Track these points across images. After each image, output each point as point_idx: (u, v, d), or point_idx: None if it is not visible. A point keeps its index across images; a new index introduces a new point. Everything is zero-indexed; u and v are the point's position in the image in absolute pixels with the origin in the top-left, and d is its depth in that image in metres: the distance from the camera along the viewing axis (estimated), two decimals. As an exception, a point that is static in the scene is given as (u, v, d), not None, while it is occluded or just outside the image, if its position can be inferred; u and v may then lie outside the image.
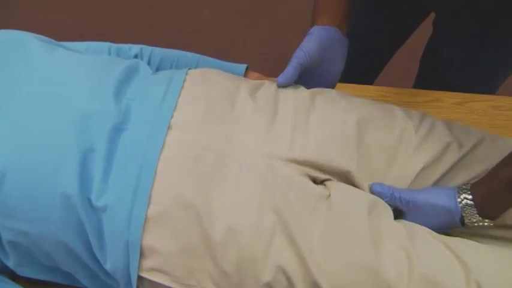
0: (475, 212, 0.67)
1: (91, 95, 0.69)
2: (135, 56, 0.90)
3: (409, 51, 1.19)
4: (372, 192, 0.72)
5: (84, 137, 0.65)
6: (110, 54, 0.90)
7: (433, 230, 0.70)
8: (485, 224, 0.68)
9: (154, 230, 0.64)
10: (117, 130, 0.67)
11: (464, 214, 0.68)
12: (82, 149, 0.65)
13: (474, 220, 0.68)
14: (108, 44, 0.91)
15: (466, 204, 0.68)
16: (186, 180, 0.65)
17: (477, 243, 0.69)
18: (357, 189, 0.72)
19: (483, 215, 0.67)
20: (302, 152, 0.70)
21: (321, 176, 0.71)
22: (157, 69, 0.90)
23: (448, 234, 0.71)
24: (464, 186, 0.69)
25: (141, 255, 0.64)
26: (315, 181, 0.71)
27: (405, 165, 0.74)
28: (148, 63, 0.91)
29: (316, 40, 0.81)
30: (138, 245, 0.63)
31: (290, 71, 0.79)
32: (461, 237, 0.72)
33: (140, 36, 2.02)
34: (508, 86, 1.15)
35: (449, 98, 0.99)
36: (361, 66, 1.12)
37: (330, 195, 0.68)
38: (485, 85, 1.04)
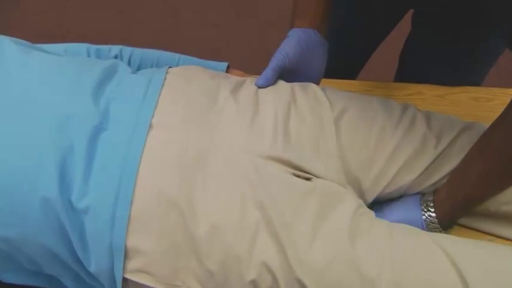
0: (438, 227, 0.74)
1: (69, 97, 0.69)
2: (115, 57, 0.90)
3: (389, 45, 1.19)
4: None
5: (62, 139, 0.65)
6: (89, 55, 0.89)
7: None
8: (445, 233, 0.74)
9: (138, 230, 0.63)
10: (96, 130, 0.66)
11: (428, 229, 0.74)
12: (61, 151, 0.64)
13: (435, 229, 0.74)
14: (87, 45, 0.90)
15: (431, 221, 0.74)
16: (169, 179, 0.65)
17: (462, 238, 0.70)
18: (340, 187, 0.72)
19: (444, 227, 0.74)
20: (283, 152, 0.70)
21: (303, 175, 0.71)
22: (138, 70, 0.89)
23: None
24: (427, 204, 0.74)
25: (126, 256, 0.64)
26: (299, 177, 0.71)
27: (383, 166, 0.75)
28: (129, 64, 0.90)
29: (295, 42, 0.82)
30: (122, 246, 0.63)
31: (269, 73, 0.79)
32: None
33: (122, 36, 2.01)
34: (487, 78, 1.16)
35: (430, 91, 0.99)
36: (344, 61, 1.12)
37: (315, 191, 0.68)
38: (465, 82, 1.05)
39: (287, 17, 1.32)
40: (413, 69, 1.10)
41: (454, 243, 0.68)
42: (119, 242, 0.63)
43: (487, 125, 0.72)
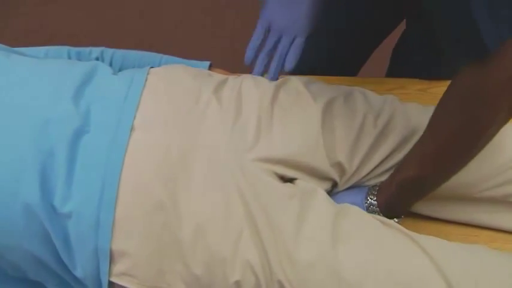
0: (379, 212, 0.73)
1: (49, 100, 0.68)
2: (96, 59, 0.89)
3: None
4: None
5: (43, 143, 0.64)
6: (70, 58, 0.89)
7: None
8: (396, 221, 0.73)
9: (122, 234, 0.63)
10: (77, 134, 0.66)
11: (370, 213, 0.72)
12: (42, 156, 0.63)
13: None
14: (67, 48, 0.89)
15: (371, 208, 0.73)
16: (152, 181, 0.65)
17: (446, 241, 0.71)
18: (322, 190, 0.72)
19: (387, 215, 0.73)
20: (267, 151, 0.70)
21: (288, 173, 0.71)
22: (120, 71, 0.88)
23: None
24: (372, 191, 0.74)
25: (111, 259, 0.64)
26: (283, 178, 0.72)
27: (365, 159, 0.75)
28: (110, 66, 0.89)
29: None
30: (107, 250, 0.63)
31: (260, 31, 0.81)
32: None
33: (106, 38, 2.00)
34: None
35: (413, 85, 0.99)
36: (345, 59, 1.11)
37: (296, 194, 0.68)
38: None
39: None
40: (404, 61, 1.10)
41: (440, 247, 0.68)
42: (104, 245, 0.62)
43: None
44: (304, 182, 0.71)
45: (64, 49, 0.89)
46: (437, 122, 0.66)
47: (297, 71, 0.82)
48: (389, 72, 1.16)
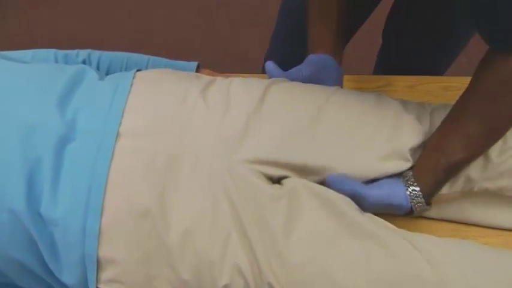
0: (423, 201, 0.73)
1: (34, 107, 0.67)
2: (83, 62, 0.88)
3: (362, 40, 1.20)
4: (327, 182, 0.72)
5: (28, 151, 0.64)
6: (56, 61, 0.88)
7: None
8: (427, 208, 0.74)
9: (109, 240, 0.63)
10: (63, 141, 0.65)
11: (412, 204, 0.72)
12: (27, 164, 0.63)
13: (419, 209, 0.73)
14: (54, 51, 0.89)
15: (415, 195, 0.72)
16: (139, 187, 0.64)
17: (437, 238, 0.71)
18: (313, 186, 0.71)
19: (428, 201, 0.73)
20: (254, 152, 0.69)
21: (277, 173, 0.71)
22: (107, 74, 0.88)
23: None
24: (408, 179, 0.73)
25: (98, 267, 0.63)
26: (272, 179, 0.71)
27: (366, 154, 0.74)
28: (98, 68, 0.89)
29: (310, 64, 0.84)
30: (94, 257, 0.62)
31: (278, 71, 0.83)
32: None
33: (94, 39, 1.99)
34: (457, 67, 1.17)
35: (400, 82, 1.00)
36: None
37: (285, 195, 0.68)
38: (441, 60, 1.09)
39: (259, 14, 1.33)
40: (395, 48, 1.12)
41: (431, 244, 0.68)
42: (91, 253, 0.62)
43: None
44: (293, 182, 0.71)
45: (51, 52, 0.89)
46: (483, 105, 0.69)
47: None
48: (381, 58, 1.17)
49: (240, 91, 0.76)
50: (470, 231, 0.80)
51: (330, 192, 0.71)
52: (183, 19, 2.12)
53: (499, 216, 0.80)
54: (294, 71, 0.84)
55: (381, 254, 0.65)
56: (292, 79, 0.82)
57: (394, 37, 1.13)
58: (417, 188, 0.72)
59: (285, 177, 0.72)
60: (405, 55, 1.11)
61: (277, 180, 0.72)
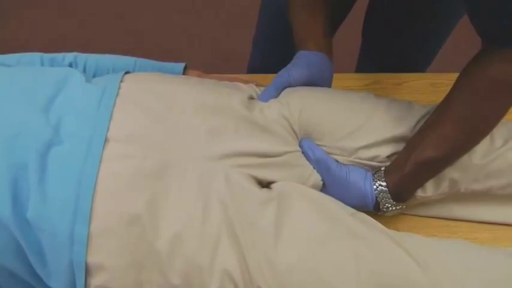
0: (389, 197, 0.72)
1: (19, 113, 0.67)
2: (70, 65, 0.88)
3: (349, 37, 1.20)
4: (301, 146, 0.75)
5: (13, 157, 0.63)
6: (43, 64, 0.87)
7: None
8: (398, 208, 0.73)
9: (98, 246, 0.62)
10: (48, 146, 0.64)
11: (379, 199, 0.72)
12: (12, 169, 0.62)
13: (388, 205, 0.73)
14: (40, 54, 0.88)
15: (381, 190, 0.72)
16: (128, 193, 0.64)
17: (426, 237, 0.71)
18: (303, 188, 0.72)
19: (396, 199, 0.72)
20: (245, 155, 0.69)
21: (266, 174, 0.71)
22: (94, 76, 0.87)
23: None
24: (378, 174, 0.73)
25: (87, 273, 0.62)
26: (261, 183, 0.71)
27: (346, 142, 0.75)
28: (84, 71, 0.88)
29: (304, 65, 0.82)
30: (83, 264, 0.62)
31: (272, 91, 0.80)
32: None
33: (82, 42, 1.98)
34: (444, 63, 1.18)
35: (387, 79, 1.00)
36: None
37: (274, 198, 0.68)
38: (422, 56, 1.09)
39: (249, 14, 1.32)
40: (375, 46, 1.12)
41: (420, 245, 0.68)
42: (79, 259, 0.61)
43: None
44: (282, 185, 0.71)
45: (37, 56, 0.88)
46: (462, 105, 0.68)
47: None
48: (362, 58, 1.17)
49: (229, 89, 0.76)
50: (459, 227, 0.81)
51: (320, 195, 0.72)
52: (172, 20, 2.12)
53: (488, 211, 0.81)
54: (285, 76, 0.81)
55: (371, 256, 0.65)
56: (282, 85, 0.80)
57: (373, 34, 1.12)
58: (384, 183, 0.72)
59: (273, 181, 0.72)
60: (386, 52, 1.10)
61: (266, 184, 0.72)
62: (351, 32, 1.15)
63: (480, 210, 0.81)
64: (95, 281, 0.63)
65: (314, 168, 0.74)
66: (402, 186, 0.72)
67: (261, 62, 1.15)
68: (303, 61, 0.82)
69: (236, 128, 0.71)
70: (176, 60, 0.92)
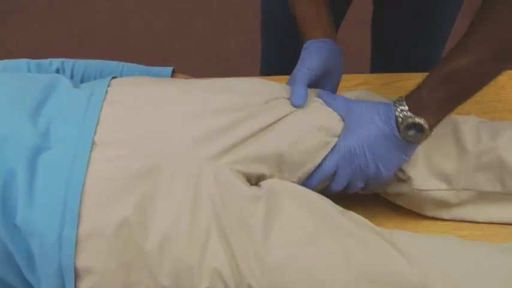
0: (409, 113, 0.69)
1: (5, 118, 0.66)
2: (57, 71, 0.88)
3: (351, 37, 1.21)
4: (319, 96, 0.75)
5: (1, 163, 0.63)
6: (29, 70, 0.87)
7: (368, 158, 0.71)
8: (418, 120, 0.69)
9: (87, 250, 0.62)
10: (36, 152, 0.64)
11: (399, 118, 0.70)
12: (0, 176, 0.62)
13: (408, 120, 0.69)
14: (26, 60, 0.87)
15: (402, 110, 0.70)
16: (116, 195, 0.64)
17: (415, 233, 0.72)
18: (292, 186, 0.72)
19: (416, 112, 0.69)
20: (232, 153, 0.69)
21: (255, 170, 0.71)
22: (82, 82, 0.87)
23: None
24: (399, 100, 0.72)
25: (76, 276, 0.62)
26: (250, 180, 0.71)
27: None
28: (72, 77, 0.88)
29: (317, 54, 0.80)
30: (72, 267, 0.62)
31: (303, 90, 0.76)
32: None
33: (71, 48, 1.97)
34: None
35: (376, 80, 1.01)
36: None
37: (263, 195, 0.68)
38: (433, 43, 1.08)
39: (238, 16, 1.33)
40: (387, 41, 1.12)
41: (409, 241, 0.68)
42: (68, 263, 0.61)
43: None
44: (271, 182, 0.71)
45: (23, 62, 0.88)
46: (490, 23, 0.66)
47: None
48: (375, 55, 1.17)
49: (218, 92, 0.76)
50: (449, 226, 0.81)
51: (309, 193, 0.72)
52: (161, 24, 2.12)
53: (478, 212, 0.81)
54: (305, 71, 0.78)
55: (360, 252, 0.65)
56: (309, 79, 0.78)
57: (381, 32, 1.12)
58: (406, 107, 0.70)
59: (263, 177, 0.72)
60: (397, 49, 1.10)
61: (255, 182, 0.72)
62: (346, 33, 1.16)
63: (471, 210, 0.81)
64: (84, 284, 0.63)
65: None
66: (422, 102, 0.70)
67: (273, 64, 1.16)
68: (314, 50, 0.81)
69: (224, 127, 0.71)
70: (165, 65, 0.92)
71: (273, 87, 0.79)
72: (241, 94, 0.75)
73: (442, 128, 0.74)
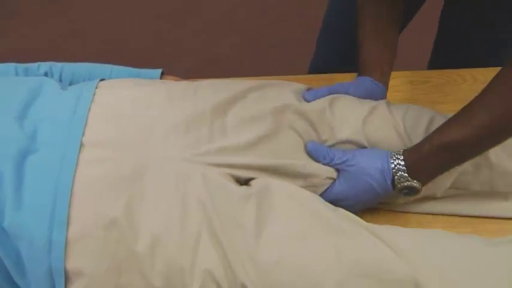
0: (406, 175, 0.71)
1: None
2: (45, 74, 0.87)
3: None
4: (308, 150, 0.74)
5: None
6: (17, 74, 0.87)
7: (362, 202, 0.73)
8: (414, 184, 0.71)
9: (76, 252, 0.62)
10: (24, 154, 0.64)
11: (396, 176, 0.71)
12: None
13: (404, 182, 0.71)
14: (14, 64, 0.87)
15: (399, 169, 0.71)
16: (105, 197, 0.64)
17: (404, 228, 0.72)
18: (283, 184, 0.72)
19: (413, 177, 0.71)
20: (221, 156, 0.69)
21: (245, 174, 0.71)
22: (70, 85, 0.87)
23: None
24: (397, 152, 0.72)
25: (67, 279, 0.62)
26: (239, 180, 0.71)
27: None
28: (60, 80, 0.88)
29: (363, 90, 0.83)
30: (62, 270, 0.61)
31: (324, 91, 0.80)
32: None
33: (62, 52, 1.96)
34: (422, 61, 1.19)
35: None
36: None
37: (253, 194, 0.68)
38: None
39: (230, 18, 1.33)
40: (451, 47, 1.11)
41: (398, 235, 0.68)
42: (58, 265, 0.61)
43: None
44: (262, 181, 0.71)
45: (11, 66, 0.87)
46: (495, 96, 0.67)
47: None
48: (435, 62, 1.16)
49: (207, 95, 0.76)
50: (440, 222, 0.81)
51: (300, 191, 0.72)
52: (152, 26, 2.12)
53: (469, 206, 0.82)
54: (339, 87, 0.82)
55: (350, 248, 0.65)
56: (335, 91, 0.81)
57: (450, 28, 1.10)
58: (402, 162, 0.71)
59: (252, 178, 0.72)
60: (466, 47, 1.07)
61: (244, 182, 0.72)
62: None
63: (462, 205, 0.82)
64: (75, 286, 0.62)
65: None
66: (420, 166, 0.71)
67: (323, 62, 1.16)
68: (363, 87, 0.84)
69: (212, 129, 0.71)
70: (156, 67, 0.92)
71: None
72: (232, 97, 0.76)
73: None
